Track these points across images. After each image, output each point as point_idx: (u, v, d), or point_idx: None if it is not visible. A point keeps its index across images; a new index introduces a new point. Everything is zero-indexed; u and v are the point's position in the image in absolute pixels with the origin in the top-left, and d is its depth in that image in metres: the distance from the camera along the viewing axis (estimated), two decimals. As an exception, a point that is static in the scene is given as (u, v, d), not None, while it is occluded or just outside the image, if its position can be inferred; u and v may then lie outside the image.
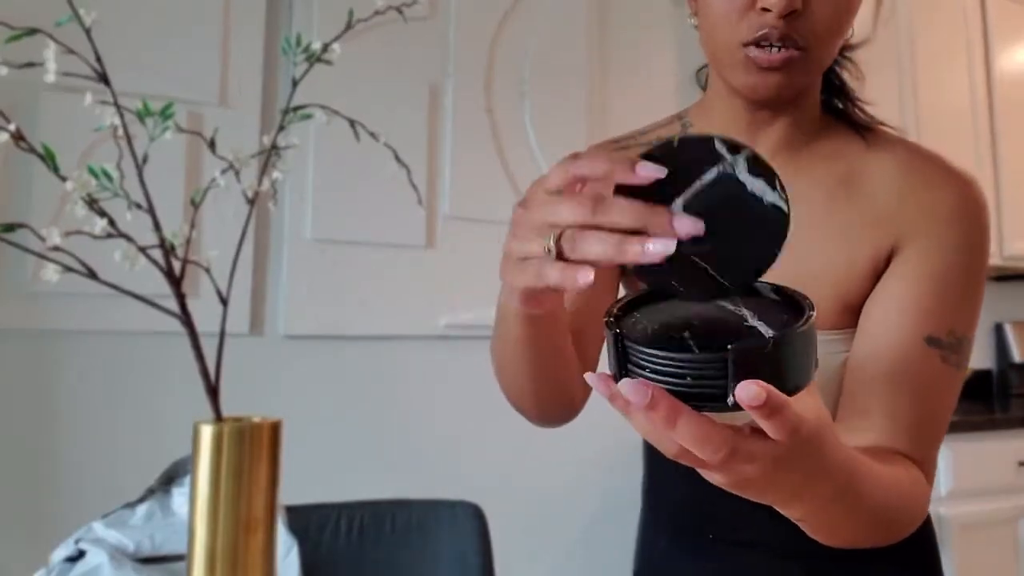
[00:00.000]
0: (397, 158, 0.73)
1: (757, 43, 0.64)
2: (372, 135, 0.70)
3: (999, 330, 2.78)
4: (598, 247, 0.41)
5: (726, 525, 0.75)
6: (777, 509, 0.48)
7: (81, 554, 0.74)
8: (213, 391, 0.61)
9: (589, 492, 2.01)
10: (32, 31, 0.59)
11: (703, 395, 0.37)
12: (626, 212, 0.40)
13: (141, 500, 0.81)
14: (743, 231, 0.40)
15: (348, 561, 1.14)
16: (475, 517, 1.19)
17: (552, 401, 0.74)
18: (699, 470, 0.42)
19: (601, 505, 2.01)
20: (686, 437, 0.38)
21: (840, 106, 0.76)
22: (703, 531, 0.77)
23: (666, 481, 0.83)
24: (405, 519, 1.19)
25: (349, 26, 0.68)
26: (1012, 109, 2.57)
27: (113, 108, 0.61)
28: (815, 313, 0.39)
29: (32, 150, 0.58)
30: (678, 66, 2.27)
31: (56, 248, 0.57)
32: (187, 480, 0.78)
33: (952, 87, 2.50)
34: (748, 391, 0.35)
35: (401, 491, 1.27)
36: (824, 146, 0.73)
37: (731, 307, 0.41)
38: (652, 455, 0.85)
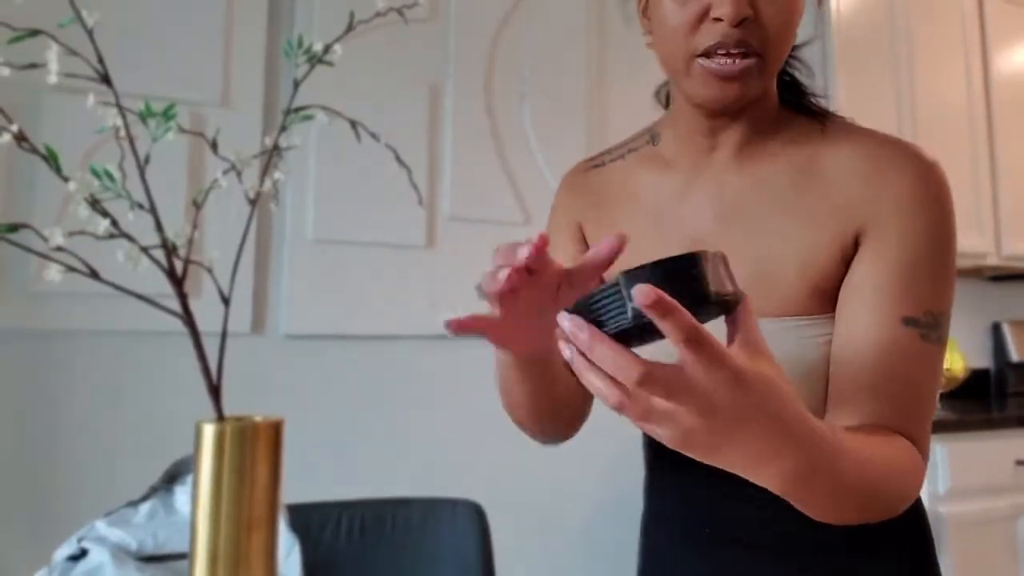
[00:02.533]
0: (398, 159, 0.74)
1: (713, 53, 0.66)
2: (373, 136, 0.70)
3: (997, 330, 2.79)
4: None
5: (727, 524, 0.76)
6: (750, 479, 0.50)
7: (84, 553, 0.75)
8: (215, 390, 0.61)
9: (590, 491, 2.02)
10: (34, 32, 0.60)
11: (611, 320, 0.45)
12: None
13: (144, 499, 0.82)
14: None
15: (349, 560, 1.14)
16: (475, 516, 1.20)
17: (552, 426, 0.81)
18: (644, 428, 0.46)
19: (602, 504, 2.01)
20: (603, 359, 0.44)
21: (797, 100, 0.78)
22: (704, 530, 0.77)
23: (667, 480, 0.83)
24: (405, 518, 1.19)
25: (350, 27, 0.69)
26: (1009, 109, 2.57)
27: (115, 109, 0.61)
28: (710, 251, 0.46)
29: (35, 151, 0.58)
30: (678, 66, 2.27)
31: (59, 248, 0.57)
32: (189, 479, 0.79)
33: (950, 87, 2.50)
34: (640, 290, 0.41)
35: (401, 490, 1.27)
36: (785, 136, 0.75)
37: None
38: (653, 454, 0.86)
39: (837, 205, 0.69)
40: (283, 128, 0.65)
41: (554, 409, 0.77)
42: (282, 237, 1.76)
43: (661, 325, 0.42)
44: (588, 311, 0.45)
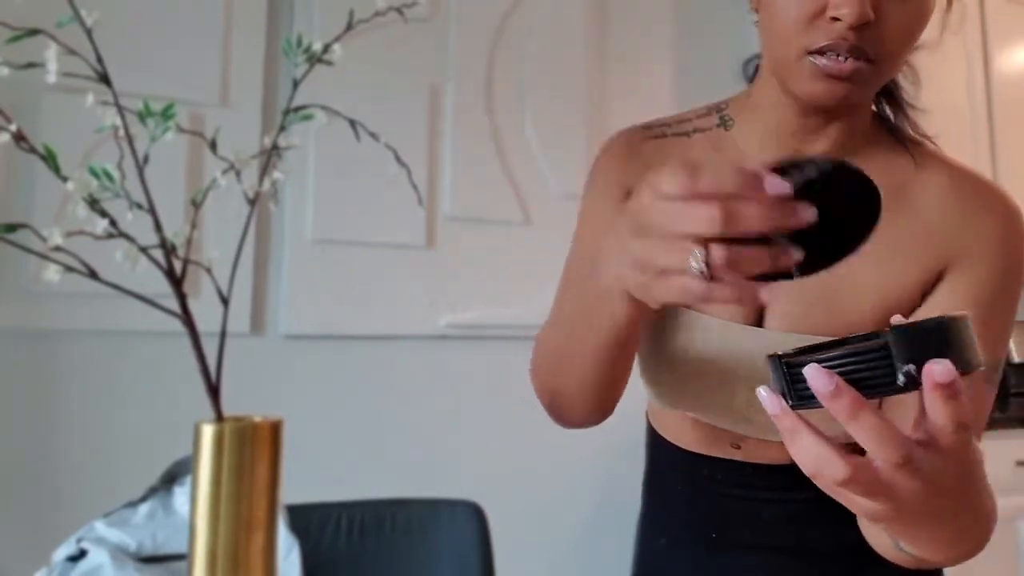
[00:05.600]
0: (398, 158, 0.74)
1: (824, 52, 0.61)
2: (372, 135, 0.70)
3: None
4: (758, 265, 0.42)
5: (728, 525, 0.75)
6: (911, 545, 0.48)
7: (83, 553, 0.75)
8: (214, 391, 0.61)
9: (589, 492, 2.02)
10: (33, 32, 0.60)
11: (872, 383, 0.38)
12: (757, 218, 0.41)
13: (143, 499, 0.82)
14: (843, 207, 0.44)
15: (348, 560, 1.14)
16: (475, 516, 1.20)
17: (605, 401, 0.72)
18: (849, 502, 0.42)
19: (601, 505, 2.01)
20: (866, 431, 0.38)
21: (892, 118, 0.75)
22: (703, 531, 0.77)
23: (669, 480, 0.83)
24: (405, 518, 1.19)
25: (350, 27, 0.68)
26: (1010, 110, 2.57)
27: (114, 109, 0.61)
28: (967, 315, 0.40)
29: (33, 151, 0.58)
30: (676, 66, 2.27)
31: (57, 248, 0.57)
32: (189, 479, 0.79)
33: (950, 88, 2.50)
34: (942, 366, 0.36)
35: (401, 491, 1.27)
36: (874, 156, 0.72)
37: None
38: (656, 453, 0.86)
39: (924, 235, 0.68)
40: (282, 128, 0.65)
41: (615, 380, 0.68)
42: (281, 237, 1.76)
43: (939, 406, 0.37)
44: (838, 365, 0.39)
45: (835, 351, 0.39)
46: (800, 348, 0.43)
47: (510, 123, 2.01)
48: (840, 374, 0.38)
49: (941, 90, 2.47)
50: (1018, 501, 2.08)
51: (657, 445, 0.84)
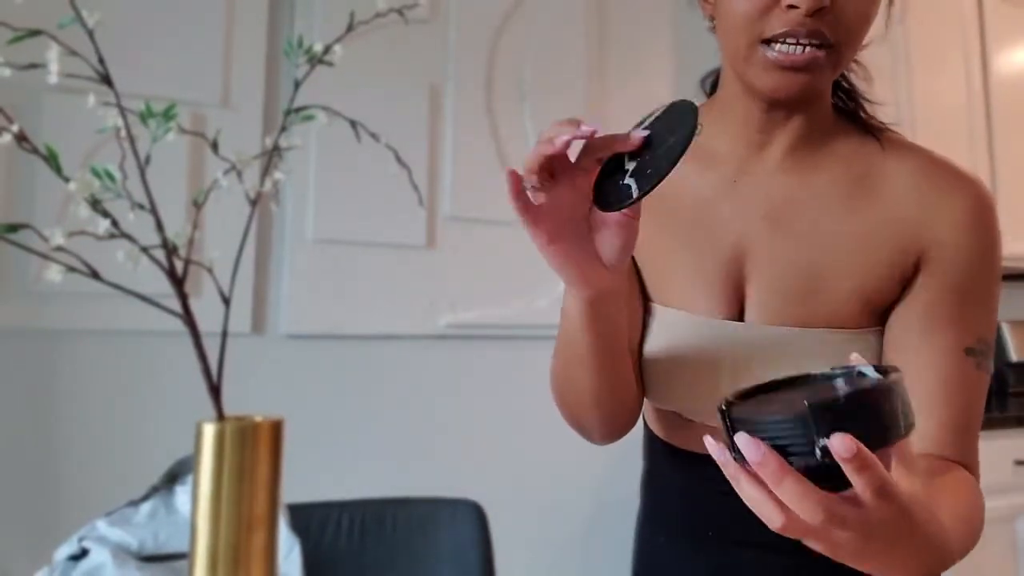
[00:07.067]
0: (398, 159, 0.74)
1: (781, 40, 0.62)
2: (373, 136, 0.70)
3: (996, 330, 2.78)
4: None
5: (724, 523, 0.76)
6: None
7: (84, 552, 0.75)
8: (215, 390, 0.61)
9: (589, 490, 2.02)
10: (35, 32, 0.60)
11: (795, 452, 0.41)
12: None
13: (145, 498, 0.82)
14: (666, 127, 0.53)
15: (349, 559, 1.15)
16: (475, 515, 1.20)
17: (617, 414, 0.75)
18: (804, 540, 0.45)
19: (602, 504, 2.01)
20: (789, 495, 0.41)
21: (852, 108, 0.76)
22: (701, 529, 0.77)
23: (665, 479, 0.83)
24: (406, 518, 1.19)
25: (350, 28, 0.69)
26: (1008, 110, 2.57)
27: (116, 109, 0.61)
28: (900, 376, 0.42)
29: (35, 151, 0.58)
30: (676, 66, 2.27)
31: (59, 248, 0.57)
32: (190, 478, 0.79)
33: (949, 88, 2.50)
34: (842, 442, 0.38)
35: (402, 490, 1.27)
36: (840, 146, 0.73)
37: (827, 380, 0.45)
38: (653, 453, 0.86)
39: (895, 223, 0.68)
40: (283, 128, 0.65)
41: (615, 387, 0.71)
42: (282, 237, 1.77)
43: (853, 477, 0.40)
44: (766, 433, 0.41)
45: (765, 416, 0.41)
46: (747, 390, 0.46)
47: (510, 124, 2.01)
48: (768, 440, 0.41)
49: (939, 91, 2.48)
50: (1017, 500, 2.08)
51: (654, 445, 0.85)
